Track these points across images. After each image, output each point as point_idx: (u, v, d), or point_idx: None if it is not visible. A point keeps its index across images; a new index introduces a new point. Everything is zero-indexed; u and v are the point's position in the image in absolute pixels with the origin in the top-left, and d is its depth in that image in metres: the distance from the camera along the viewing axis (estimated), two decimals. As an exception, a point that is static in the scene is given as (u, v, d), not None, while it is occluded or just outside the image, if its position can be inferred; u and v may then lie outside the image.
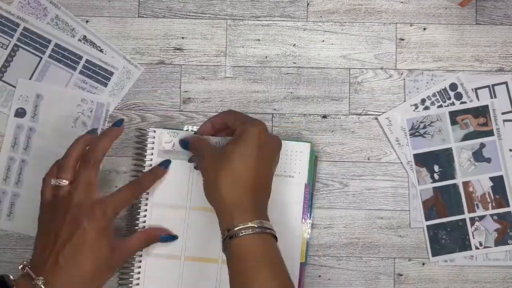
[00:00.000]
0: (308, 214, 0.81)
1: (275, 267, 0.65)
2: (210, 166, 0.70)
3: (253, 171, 0.68)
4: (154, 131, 0.80)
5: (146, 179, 0.78)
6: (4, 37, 0.83)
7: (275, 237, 0.67)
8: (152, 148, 0.80)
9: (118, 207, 0.72)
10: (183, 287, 0.79)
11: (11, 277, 0.66)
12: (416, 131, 0.83)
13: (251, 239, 0.65)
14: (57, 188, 0.71)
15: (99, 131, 0.82)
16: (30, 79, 0.83)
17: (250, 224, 0.65)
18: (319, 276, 0.82)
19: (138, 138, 0.83)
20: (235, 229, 0.65)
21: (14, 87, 0.83)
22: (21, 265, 0.68)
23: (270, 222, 0.68)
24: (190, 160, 0.79)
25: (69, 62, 0.83)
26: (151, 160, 0.80)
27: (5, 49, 0.83)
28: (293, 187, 0.80)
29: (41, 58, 0.83)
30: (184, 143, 0.78)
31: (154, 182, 0.79)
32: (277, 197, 0.78)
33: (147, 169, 0.80)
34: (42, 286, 0.65)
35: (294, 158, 0.81)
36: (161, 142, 0.80)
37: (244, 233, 0.64)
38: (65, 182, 0.71)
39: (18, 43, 0.83)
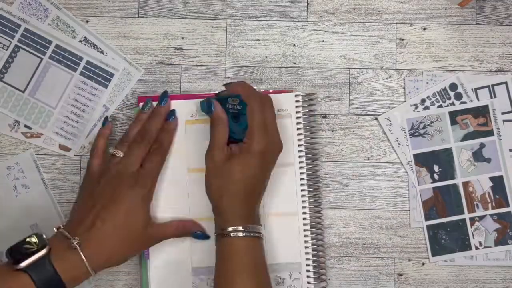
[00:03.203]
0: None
1: (254, 269, 0.72)
2: (213, 168, 0.74)
3: (251, 186, 0.74)
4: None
5: (165, 139, 0.79)
6: (5, 38, 0.83)
7: (260, 237, 0.74)
8: None
9: (155, 177, 0.76)
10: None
11: (44, 236, 0.68)
12: (416, 131, 0.83)
13: (238, 241, 0.72)
14: (112, 157, 0.76)
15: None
16: (30, 80, 0.83)
17: (239, 228, 0.72)
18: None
19: None
20: (227, 230, 0.72)
21: (15, 88, 0.83)
22: (56, 227, 0.71)
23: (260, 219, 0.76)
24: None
25: (69, 63, 0.83)
26: None
27: (6, 50, 0.83)
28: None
29: (41, 59, 0.83)
30: (208, 106, 0.77)
31: (173, 138, 0.81)
32: None
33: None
34: (77, 246, 0.67)
35: None
36: None
37: (233, 236, 0.72)
38: (120, 154, 0.76)
39: (19, 44, 0.83)
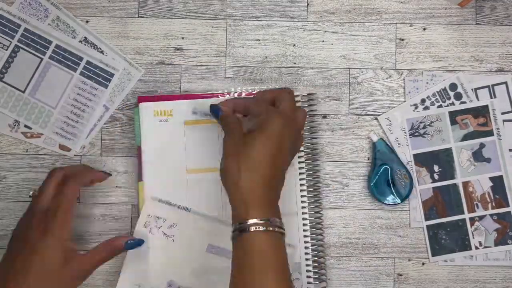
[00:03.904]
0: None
1: (280, 269, 0.65)
2: (231, 149, 0.70)
3: (271, 163, 0.68)
4: None
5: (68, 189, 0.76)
6: (5, 38, 0.83)
7: (284, 234, 0.67)
8: None
9: (66, 213, 0.73)
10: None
11: None
12: (416, 131, 0.83)
13: (260, 236, 0.65)
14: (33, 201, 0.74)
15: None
16: (30, 80, 0.83)
17: (261, 222, 0.65)
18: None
19: None
20: (247, 223, 0.65)
21: (15, 88, 0.83)
22: None
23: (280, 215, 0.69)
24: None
25: (69, 63, 0.83)
26: None
27: (6, 50, 0.83)
28: None
29: (41, 59, 0.83)
30: (215, 111, 0.76)
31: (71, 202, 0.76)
32: None
33: None
34: None
35: None
36: None
37: (254, 230, 0.65)
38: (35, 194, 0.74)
39: (19, 44, 0.83)
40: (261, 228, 0.65)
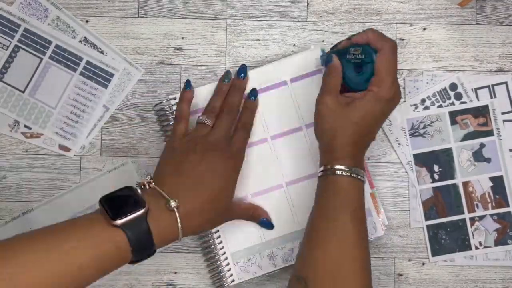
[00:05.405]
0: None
1: (356, 209, 0.70)
2: (332, 106, 0.73)
3: (367, 131, 0.73)
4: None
5: (248, 118, 0.80)
6: (5, 38, 0.83)
7: (364, 182, 0.73)
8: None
9: (244, 152, 0.77)
10: None
11: (139, 191, 0.67)
12: (416, 131, 0.83)
13: (343, 180, 0.71)
14: (201, 125, 0.76)
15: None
16: (30, 80, 0.83)
17: (347, 168, 0.71)
18: (319, 276, 0.82)
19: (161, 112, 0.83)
20: (334, 167, 0.71)
21: (15, 88, 0.83)
22: (147, 182, 0.69)
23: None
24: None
25: (69, 63, 0.83)
26: None
27: (6, 50, 0.83)
28: None
29: (41, 59, 0.83)
30: (327, 60, 0.76)
31: (254, 116, 0.81)
32: None
33: None
34: (175, 209, 0.66)
35: None
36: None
37: (339, 174, 0.71)
38: (210, 123, 0.76)
39: (19, 44, 0.83)
40: (345, 173, 0.71)
